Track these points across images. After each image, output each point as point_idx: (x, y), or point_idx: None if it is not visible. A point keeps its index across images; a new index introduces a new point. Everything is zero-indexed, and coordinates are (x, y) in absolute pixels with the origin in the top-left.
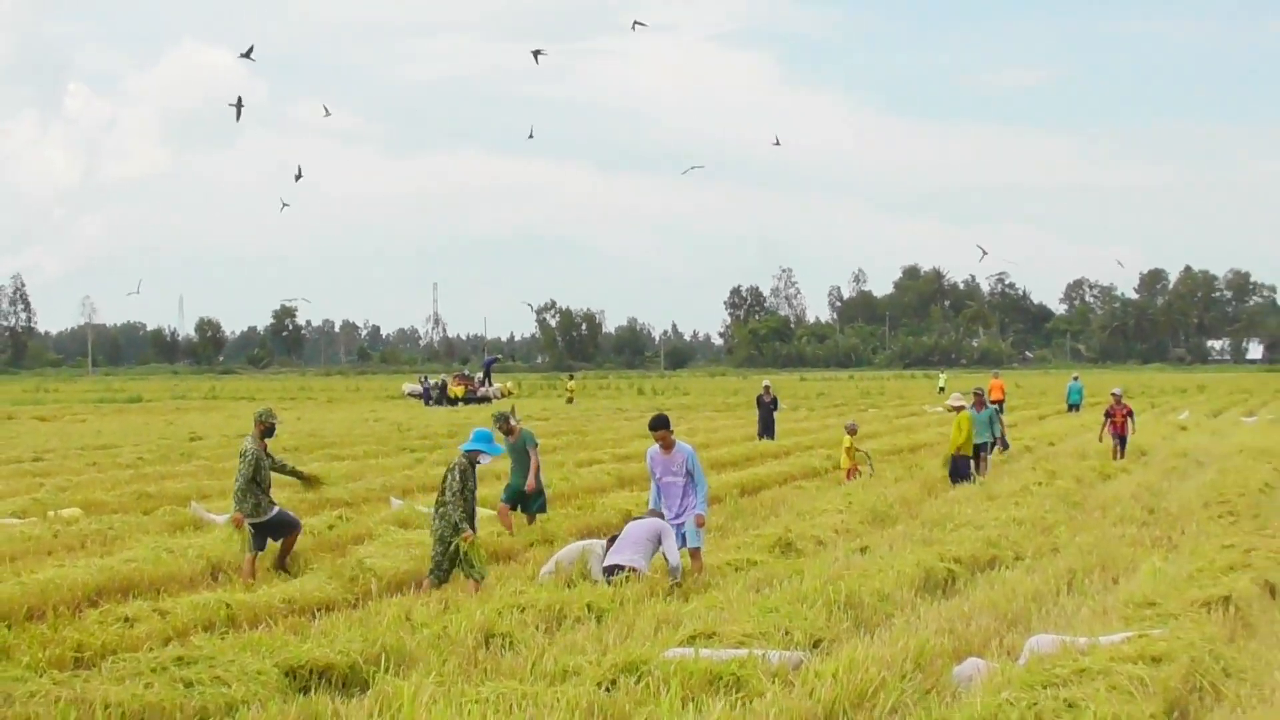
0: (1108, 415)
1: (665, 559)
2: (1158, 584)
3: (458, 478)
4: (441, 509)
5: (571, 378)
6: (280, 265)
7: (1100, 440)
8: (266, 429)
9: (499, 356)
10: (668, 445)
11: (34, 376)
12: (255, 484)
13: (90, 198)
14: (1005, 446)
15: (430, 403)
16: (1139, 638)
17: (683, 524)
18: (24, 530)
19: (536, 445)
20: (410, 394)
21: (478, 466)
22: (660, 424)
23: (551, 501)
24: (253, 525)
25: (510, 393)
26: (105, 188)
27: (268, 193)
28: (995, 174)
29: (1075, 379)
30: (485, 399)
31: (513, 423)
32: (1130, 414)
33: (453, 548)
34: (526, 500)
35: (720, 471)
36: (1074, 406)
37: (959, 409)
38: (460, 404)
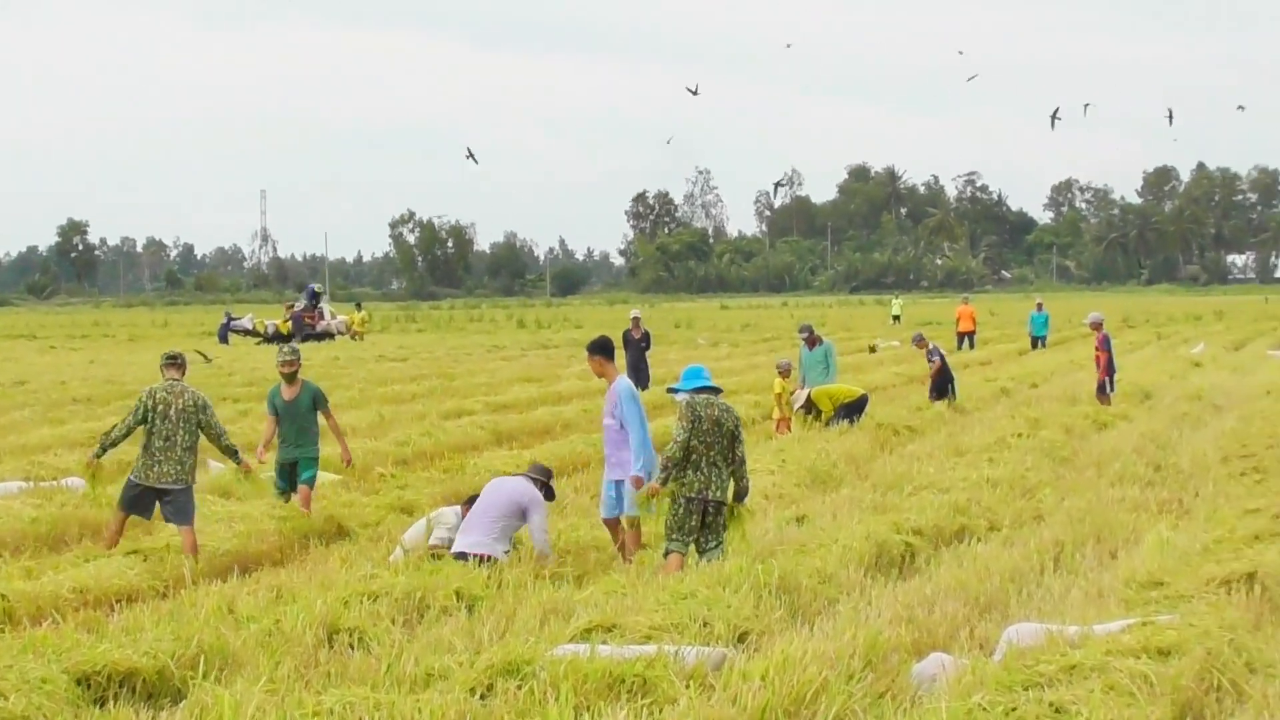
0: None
1: (531, 538)
2: (1166, 559)
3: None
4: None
5: (359, 307)
6: (68, 169)
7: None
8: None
9: (317, 287)
10: (604, 377)
11: None
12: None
13: None
14: (952, 395)
15: (260, 340)
16: (1143, 626)
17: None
18: None
19: (328, 403)
20: (236, 328)
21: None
22: (594, 349)
23: (410, 462)
24: (169, 491)
25: (357, 330)
26: None
27: (51, 76)
28: (962, 47)
29: (1039, 306)
30: (326, 334)
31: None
32: (1105, 345)
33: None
34: (295, 470)
35: (652, 417)
36: (1038, 340)
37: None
38: (294, 341)
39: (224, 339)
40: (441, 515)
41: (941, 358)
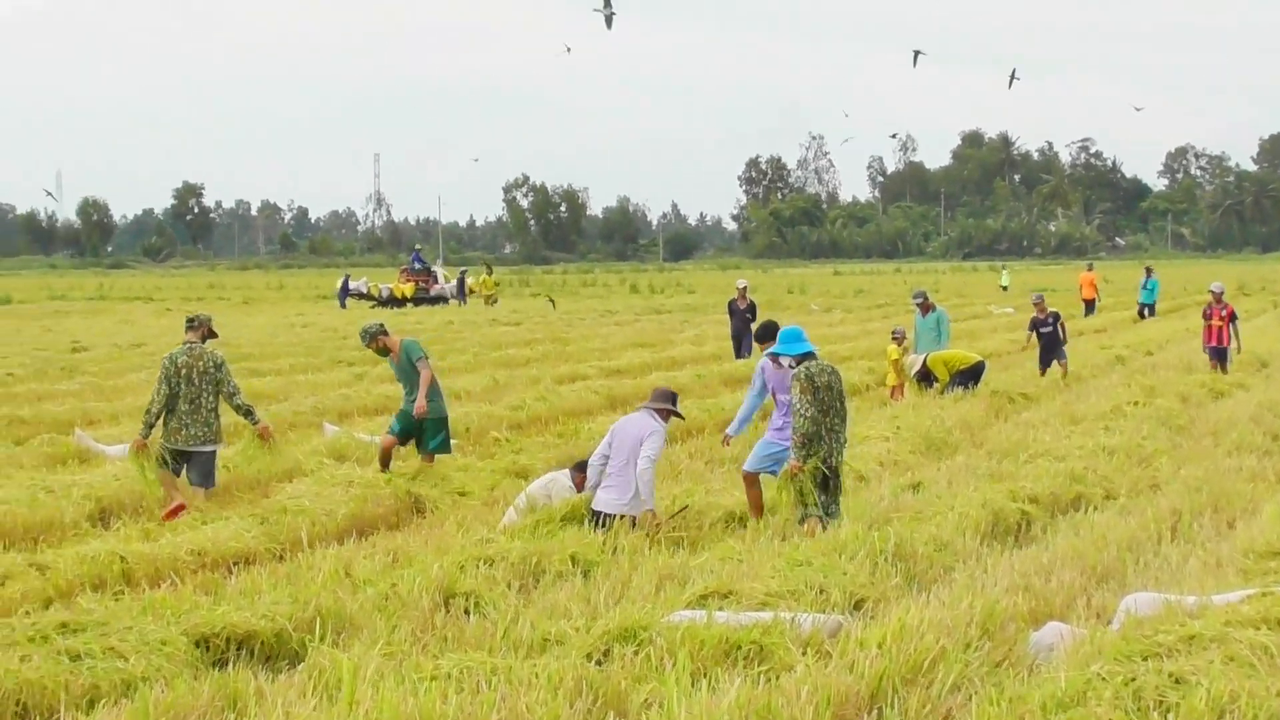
0: (1205, 316)
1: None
2: None
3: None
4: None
5: (489, 271)
6: (184, 133)
7: (1204, 350)
8: (208, 334)
9: (420, 248)
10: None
11: None
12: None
13: None
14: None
15: (375, 304)
16: (1262, 596)
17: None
18: None
19: (424, 359)
20: (353, 291)
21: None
22: (766, 334)
23: (524, 427)
24: (211, 452)
25: (474, 290)
26: None
27: (165, 41)
28: (1074, 13)
29: (1149, 273)
30: (441, 298)
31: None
32: (1233, 318)
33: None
34: (421, 432)
35: (737, 389)
36: (1146, 308)
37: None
38: (410, 305)
39: (343, 303)
40: (557, 478)
41: (1057, 323)
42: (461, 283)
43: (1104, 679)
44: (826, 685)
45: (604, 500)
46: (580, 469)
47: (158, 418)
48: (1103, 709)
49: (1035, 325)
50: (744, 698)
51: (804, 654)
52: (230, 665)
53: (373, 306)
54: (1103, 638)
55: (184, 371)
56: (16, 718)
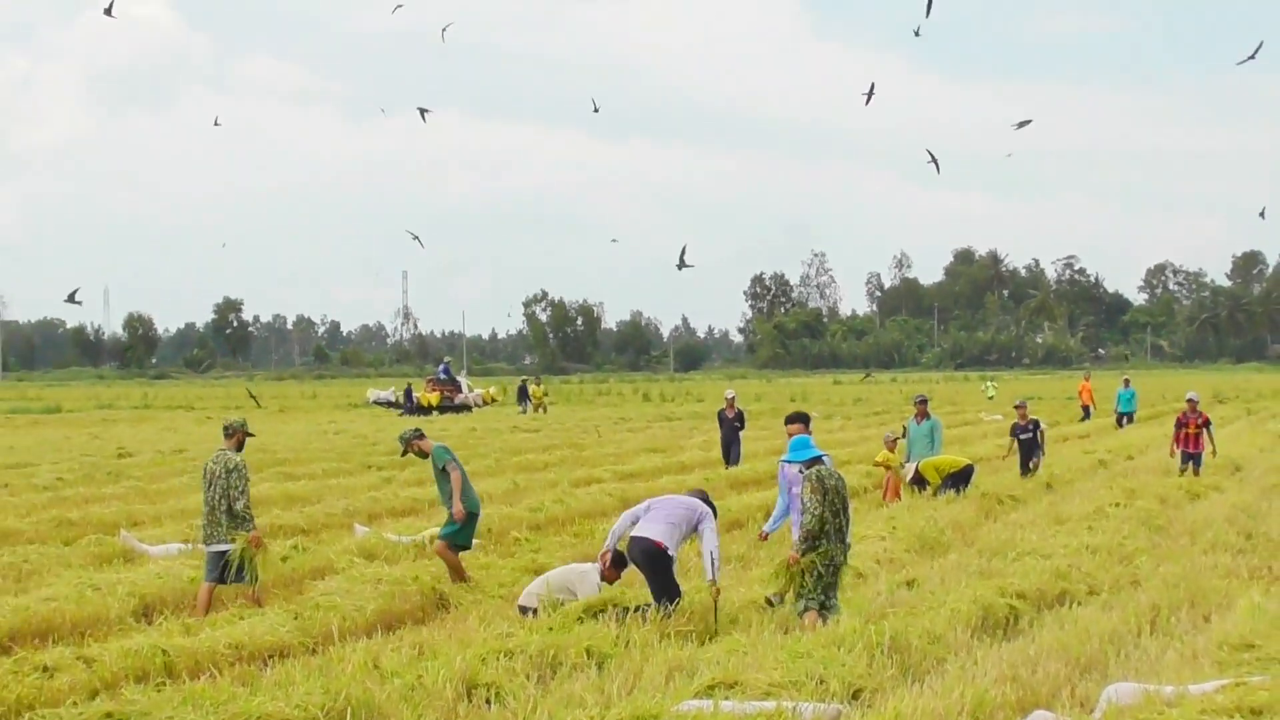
0: (1179, 425)
1: (702, 553)
2: (1257, 623)
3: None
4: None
5: (538, 382)
6: (223, 251)
7: (1171, 455)
8: (243, 440)
9: (448, 360)
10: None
11: None
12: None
13: None
14: (1033, 469)
15: (404, 413)
16: (1236, 686)
17: None
18: None
19: (453, 460)
20: (377, 401)
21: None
22: (797, 419)
23: (543, 528)
24: (217, 551)
25: (495, 399)
26: (17, 158)
27: (208, 164)
28: (1060, 139)
29: (1126, 383)
30: (465, 407)
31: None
32: (1207, 425)
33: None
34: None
35: (742, 491)
36: (1125, 416)
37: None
38: (435, 413)
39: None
40: (584, 570)
41: (1036, 430)
42: (523, 390)
43: None
44: None
45: (651, 530)
46: (611, 560)
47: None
48: None
49: (1016, 431)
50: None
51: None
52: None
53: (400, 414)
54: None
55: (208, 477)
56: None
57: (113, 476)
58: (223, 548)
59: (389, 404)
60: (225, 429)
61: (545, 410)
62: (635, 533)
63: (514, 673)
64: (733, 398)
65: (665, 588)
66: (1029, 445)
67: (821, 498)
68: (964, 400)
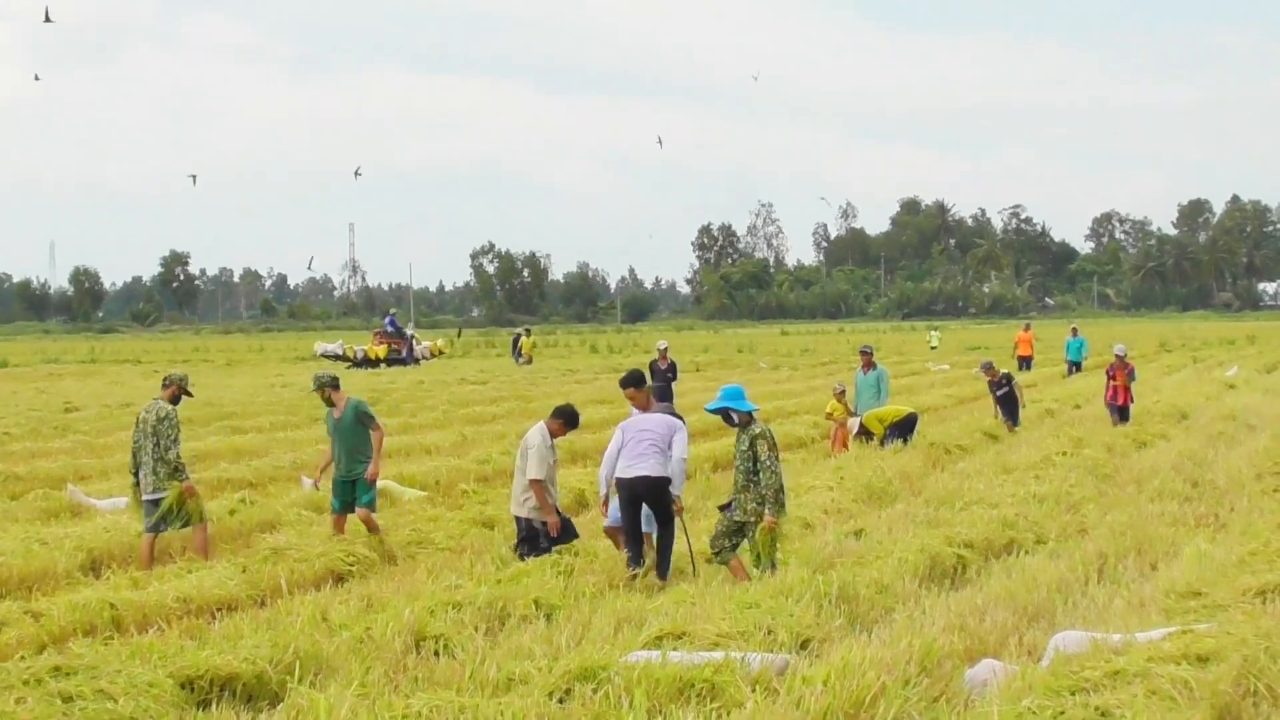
0: (1108, 375)
1: (672, 461)
2: (1204, 570)
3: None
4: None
5: (528, 333)
6: (169, 206)
7: (1106, 406)
8: (180, 393)
9: (393, 311)
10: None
11: None
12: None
13: None
14: (1015, 422)
15: (351, 365)
16: (1182, 634)
17: None
18: None
19: (375, 419)
20: (325, 354)
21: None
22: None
23: (490, 480)
24: (153, 500)
25: (442, 352)
26: None
27: (155, 121)
28: (1007, 92)
29: (1074, 332)
30: (414, 359)
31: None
32: (1132, 376)
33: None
34: (354, 491)
35: (691, 443)
36: (1074, 365)
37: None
38: (383, 365)
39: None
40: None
41: (1010, 384)
42: (516, 341)
43: (1035, 713)
44: None
45: (645, 466)
46: (556, 416)
47: (133, 468)
48: None
49: (993, 389)
50: None
51: (753, 691)
52: (214, 706)
53: (348, 367)
54: (1033, 674)
55: (140, 424)
56: None
57: (59, 431)
58: (158, 496)
59: (337, 357)
60: (165, 379)
61: (531, 362)
62: (629, 473)
63: (462, 624)
64: (665, 348)
65: (669, 515)
66: (1007, 399)
67: (777, 454)
68: (911, 350)
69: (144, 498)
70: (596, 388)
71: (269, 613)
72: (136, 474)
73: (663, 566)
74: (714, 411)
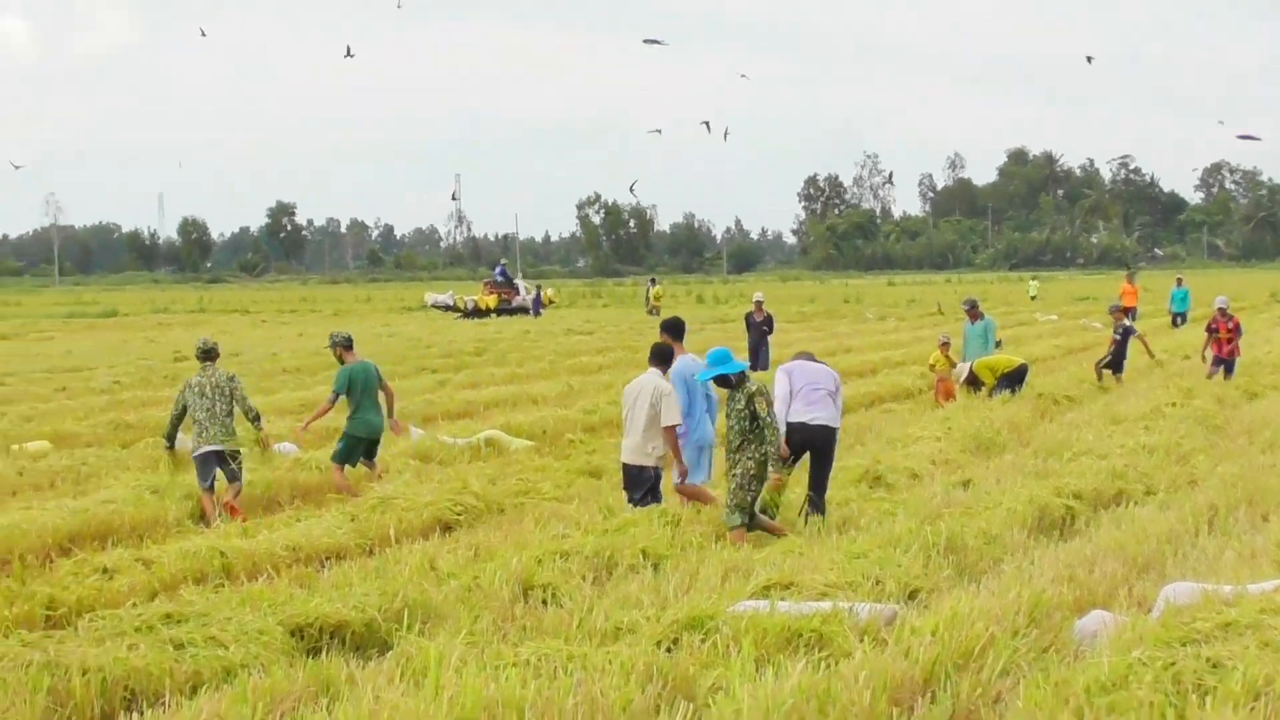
0: (1209, 330)
1: None
2: None
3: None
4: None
5: (654, 282)
6: (277, 155)
7: (1203, 359)
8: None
9: (505, 262)
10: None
11: None
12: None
13: (53, 77)
14: (1118, 370)
15: (461, 315)
16: None
17: None
18: None
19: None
20: (435, 304)
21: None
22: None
23: (597, 430)
24: (215, 453)
25: (553, 301)
26: (70, 65)
27: (260, 71)
28: (1112, 40)
29: (1179, 283)
30: (523, 309)
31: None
32: (1238, 330)
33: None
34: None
35: None
36: (1179, 317)
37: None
38: (494, 315)
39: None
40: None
41: (1125, 335)
42: (646, 295)
43: (1145, 664)
44: (883, 670)
45: (817, 411)
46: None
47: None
48: (1144, 692)
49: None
50: (805, 682)
51: (861, 641)
52: (323, 653)
53: (458, 318)
54: (1143, 625)
55: (198, 389)
56: (125, 703)
57: (169, 380)
58: (221, 449)
59: (447, 307)
60: (209, 351)
61: (657, 313)
62: (809, 418)
63: (570, 574)
64: (760, 300)
65: (832, 459)
66: (1120, 349)
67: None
68: (1018, 301)
69: (205, 450)
70: (703, 338)
71: (377, 561)
72: (172, 438)
73: (820, 502)
74: (709, 380)
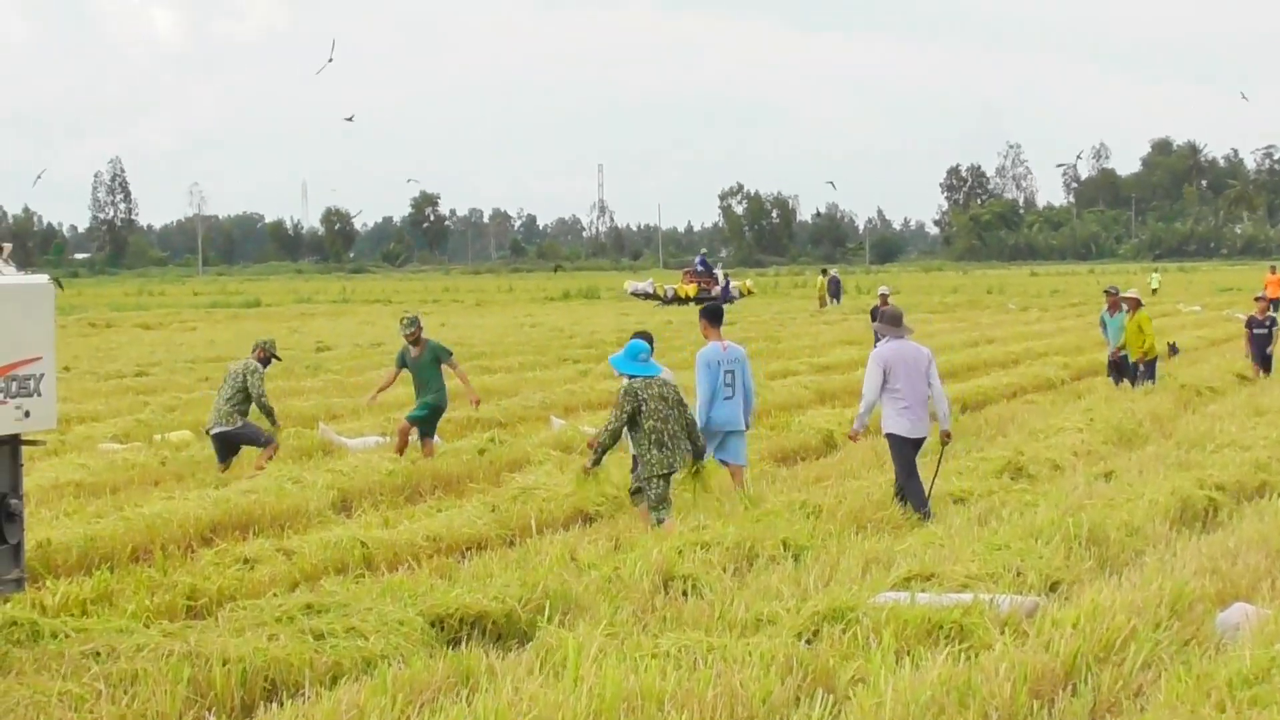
0: (1249, 326)
1: (936, 401)
2: None
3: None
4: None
5: (824, 273)
6: (420, 145)
7: (1246, 357)
8: (267, 358)
9: (705, 251)
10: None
11: (136, 277)
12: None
13: (197, 65)
14: (1267, 369)
15: (660, 303)
16: None
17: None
18: (127, 457)
19: (452, 355)
20: (635, 292)
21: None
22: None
23: None
24: (227, 432)
25: (750, 291)
26: (214, 52)
27: (403, 57)
28: (1260, 22)
29: None
30: (729, 298)
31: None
32: (1275, 323)
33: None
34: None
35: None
36: None
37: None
38: (693, 304)
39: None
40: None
41: (1271, 328)
42: (835, 283)
43: None
44: (1024, 663)
45: (911, 417)
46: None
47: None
48: None
49: (1251, 323)
50: (946, 674)
51: (1002, 633)
52: (463, 644)
53: (657, 305)
54: None
55: (228, 375)
56: (265, 692)
57: (311, 370)
58: (224, 429)
59: (647, 295)
60: (255, 345)
61: (823, 304)
62: (895, 425)
63: (710, 565)
64: (886, 293)
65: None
66: (1262, 340)
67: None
68: (1162, 291)
69: (216, 430)
70: (845, 328)
71: (518, 552)
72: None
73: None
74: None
